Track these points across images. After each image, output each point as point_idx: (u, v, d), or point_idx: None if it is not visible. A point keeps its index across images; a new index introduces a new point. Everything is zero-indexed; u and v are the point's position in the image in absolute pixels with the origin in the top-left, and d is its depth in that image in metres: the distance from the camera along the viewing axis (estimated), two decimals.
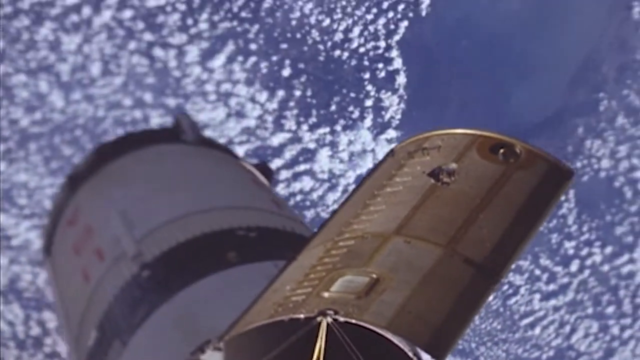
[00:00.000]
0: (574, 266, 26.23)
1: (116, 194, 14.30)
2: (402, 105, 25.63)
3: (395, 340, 7.43)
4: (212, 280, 10.95)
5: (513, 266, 7.91)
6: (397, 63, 25.64)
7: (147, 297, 11.30)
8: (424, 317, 7.35)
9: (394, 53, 25.60)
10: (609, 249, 26.50)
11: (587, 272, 26.32)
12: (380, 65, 25.42)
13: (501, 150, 8.18)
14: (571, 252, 26.18)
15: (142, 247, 12.18)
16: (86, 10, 22.61)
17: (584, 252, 26.40)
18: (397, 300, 7.41)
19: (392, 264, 7.72)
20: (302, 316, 7.49)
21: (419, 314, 7.35)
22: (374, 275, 7.61)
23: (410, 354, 7.50)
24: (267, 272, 9.93)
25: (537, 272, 25.87)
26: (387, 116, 25.41)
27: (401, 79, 25.56)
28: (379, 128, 25.72)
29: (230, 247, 11.47)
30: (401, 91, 25.48)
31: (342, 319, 7.31)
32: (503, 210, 7.99)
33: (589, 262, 26.34)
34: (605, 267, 26.38)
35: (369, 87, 25.32)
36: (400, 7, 25.80)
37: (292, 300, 7.79)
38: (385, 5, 25.71)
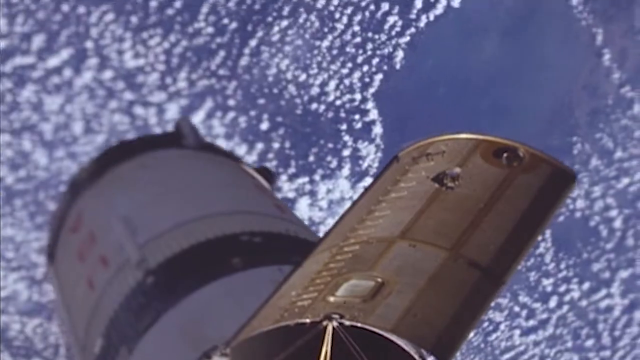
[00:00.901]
0: (553, 302, 26.46)
1: (119, 200, 14.26)
2: (379, 154, 26.00)
3: (401, 343, 7.62)
4: (217, 286, 10.92)
5: (518, 268, 7.88)
6: (373, 114, 26.08)
7: (153, 304, 11.26)
8: (429, 320, 7.40)
9: (370, 105, 26.08)
10: (586, 285, 26.75)
11: (565, 308, 26.56)
12: (357, 117, 25.78)
13: (505, 154, 8.22)
14: (549, 288, 26.40)
15: (146, 254, 12.14)
16: (67, 72, 23.14)
17: (562, 288, 26.64)
18: (403, 303, 7.45)
19: (397, 268, 7.77)
20: (308, 320, 7.54)
21: (424, 317, 7.40)
22: (379, 279, 7.68)
23: (416, 357, 7.77)
24: (271, 277, 10.04)
25: (517, 308, 26.10)
26: (365, 165, 25.73)
27: (377, 129, 25.98)
28: (357, 176, 26.08)
29: (235, 253, 11.44)
30: (377, 140, 25.90)
31: (347, 323, 7.36)
32: (507, 213, 8.03)
33: (567, 297, 26.58)
34: (584, 302, 26.68)
35: (346, 138, 25.68)
36: (375, 60, 26.42)
37: (297, 305, 7.83)
38: (360, 59, 26.34)
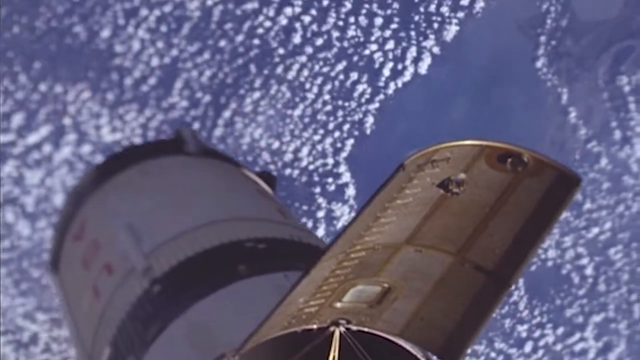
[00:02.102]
0: (528, 347, 26.72)
1: (122, 207, 14.23)
2: (353, 214, 26.59)
3: (408, 347, 7.67)
4: (224, 294, 10.92)
5: (524, 271, 7.88)
6: (346, 177, 26.61)
7: (160, 312, 11.26)
8: (436, 323, 7.39)
9: (342, 168, 26.70)
10: (560, 330, 27.03)
11: (541, 352, 26.80)
12: (330, 180, 26.49)
13: (509, 160, 8.25)
14: (524, 334, 26.57)
15: (152, 262, 12.15)
16: (47, 148, 23.56)
17: (537, 333, 26.85)
18: (409, 308, 7.45)
19: (404, 273, 7.77)
20: (315, 327, 7.53)
21: (431, 321, 7.39)
22: (386, 285, 7.68)
23: None
24: (277, 284, 10.22)
25: (493, 354, 26.30)
26: (339, 224, 26.27)
27: (350, 191, 26.36)
28: (332, 236, 26.18)
29: (240, 260, 11.46)
30: (351, 201, 26.40)
31: (354, 328, 7.37)
32: (512, 217, 8.02)
33: (542, 342, 26.84)
34: (559, 347, 26.93)
35: (320, 200, 26.27)
36: (346, 126, 27.08)
37: (305, 312, 7.83)
38: (331, 126, 26.97)
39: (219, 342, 9.90)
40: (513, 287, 8.11)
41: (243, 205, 14.00)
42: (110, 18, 23.78)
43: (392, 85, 27.30)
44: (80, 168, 22.67)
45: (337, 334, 7.32)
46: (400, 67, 27.31)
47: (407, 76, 27.53)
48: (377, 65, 27.03)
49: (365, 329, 7.34)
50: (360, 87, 27.00)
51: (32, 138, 23.48)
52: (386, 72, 27.07)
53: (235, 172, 16.30)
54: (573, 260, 27.25)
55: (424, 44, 27.76)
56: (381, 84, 27.20)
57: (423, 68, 27.60)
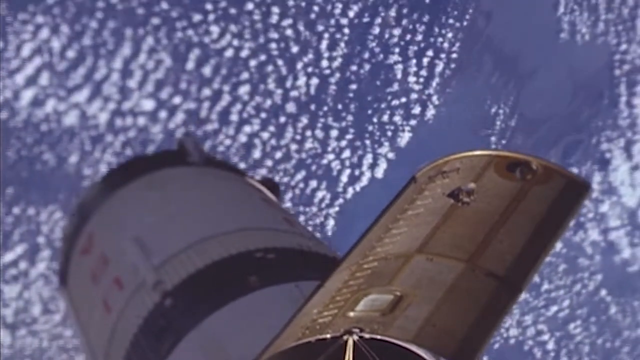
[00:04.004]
0: None
1: (129, 220, 14.03)
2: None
3: (421, 352, 7.45)
4: (237, 306, 10.75)
5: (534, 277, 7.90)
6: None
7: (173, 326, 11.07)
8: (448, 329, 7.32)
9: None
10: None
11: None
12: None
13: (518, 168, 8.19)
14: None
15: (162, 275, 11.93)
16: (22, 265, 24.45)
17: None
18: (421, 314, 7.38)
19: (415, 281, 7.69)
20: (328, 336, 7.44)
21: (443, 327, 7.31)
22: (398, 293, 7.60)
23: None
24: (289, 294, 10.09)
25: None
26: None
27: None
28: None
29: (250, 271, 11.24)
30: None
31: (367, 336, 7.28)
32: (522, 224, 7.94)
33: None
34: None
35: None
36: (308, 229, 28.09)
37: (318, 322, 7.74)
38: None
39: (233, 355, 9.87)
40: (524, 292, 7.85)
41: (250, 215, 13.76)
42: (77, 145, 24.95)
43: (350, 190, 28.48)
44: (55, 281, 23.96)
45: (350, 343, 7.27)
46: (357, 173, 28.29)
47: (365, 181, 28.45)
48: (335, 173, 28.00)
49: (378, 337, 7.29)
50: (319, 194, 28.21)
51: (9, 256, 24.44)
52: (344, 178, 28.05)
53: (240, 181, 16.11)
54: (534, 337, 27.93)
55: (379, 150, 28.87)
56: (340, 189, 28.35)
57: (379, 172, 28.46)
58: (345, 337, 7.30)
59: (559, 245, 28.73)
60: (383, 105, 29.16)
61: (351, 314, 7.62)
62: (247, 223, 13.06)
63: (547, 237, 7.93)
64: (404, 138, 29.16)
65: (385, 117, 29.08)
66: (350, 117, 28.71)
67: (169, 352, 10.79)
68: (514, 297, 7.66)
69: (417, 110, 29.35)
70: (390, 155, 28.87)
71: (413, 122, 29.21)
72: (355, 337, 7.27)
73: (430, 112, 29.58)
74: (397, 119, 29.16)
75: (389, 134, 29.06)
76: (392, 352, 7.34)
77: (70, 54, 25.38)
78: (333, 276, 8.26)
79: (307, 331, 7.73)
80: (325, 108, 29.06)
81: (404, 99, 29.30)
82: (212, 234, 12.38)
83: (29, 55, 24.90)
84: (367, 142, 28.84)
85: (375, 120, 28.99)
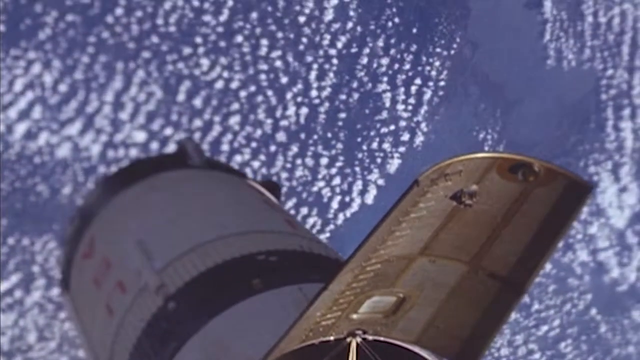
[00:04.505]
0: None
1: (131, 224, 13.86)
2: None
3: (424, 354, 7.44)
4: (240, 309, 10.65)
5: (537, 278, 7.84)
6: None
7: (176, 330, 10.96)
8: (451, 330, 7.26)
9: None
10: None
11: None
12: None
13: (520, 170, 8.15)
14: None
15: (165, 279, 11.79)
16: (18, 293, 24.51)
17: None
18: (424, 316, 7.34)
19: (418, 283, 7.65)
20: (332, 338, 7.42)
21: (446, 328, 7.26)
22: (401, 295, 7.57)
23: None
24: (292, 297, 10.07)
25: None
26: None
27: None
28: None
29: (253, 274, 11.12)
30: None
31: (370, 338, 7.25)
32: (525, 225, 7.89)
33: None
34: None
35: None
36: None
37: (322, 325, 7.71)
38: None
39: (237, 358, 9.80)
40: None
41: (252, 218, 13.65)
42: (70, 176, 25.07)
43: (341, 216, 28.72)
44: (50, 308, 24.42)
45: (353, 345, 7.25)
46: (347, 199, 28.46)
47: (355, 207, 28.60)
48: (325, 200, 28.16)
49: (381, 338, 7.25)
50: (311, 220, 28.46)
51: (4, 286, 24.59)
52: (334, 204, 28.20)
53: (241, 184, 15.99)
54: (525, 356, 28.09)
55: (369, 177, 29.14)
56: (330, 215, 28.49)
57: (369, 199, 28.61)
58: (348, 339, 7.31)
59: (548, 266, 28.97)
60: (372, 133, 29.41)
61: (354, 316, 7.63)
62: (249, 226, 12.99)
63: (550, 238, 7.88)
64: (393, 165, 29.40)
65: (375, 145, 29.31)
66: (340, 145, 28.90)
67: (172, 356, 10.76)
68: (517, 298, 7.60)
69: (406, 137, 29.62)
70: (380, 181, 29.08)
71: (402, 149, 29.47)
72: (359, 339, 7.28)
73: (419, 139, 29.81)
74: (386, 146, 29.41)
75: (379, 160, 29.29)
76: (395, 353, 7.34)
77: (62, 88, 25.55)
78: (336, 279, 8.23)
79: (310, 333, 7.72)
80: (315, 136, 29.40)
81: (392, 127, 29.57)
82: (214, 236, 12.30)
83: (22, 89, 25.15)
84: (357, 169, 29.05)
85: (364, 147, 29.21)
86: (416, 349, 7.37)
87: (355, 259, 8.30)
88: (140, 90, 26.68)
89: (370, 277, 7.97)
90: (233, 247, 11.88)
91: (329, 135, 29.09)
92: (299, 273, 11.26)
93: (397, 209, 8.47)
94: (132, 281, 12.41)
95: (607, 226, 30.89)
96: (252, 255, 11.69)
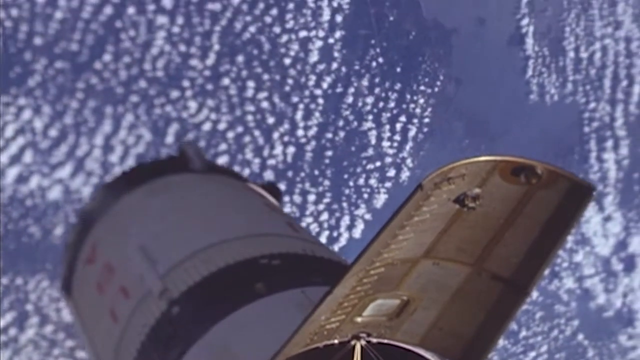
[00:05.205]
0: None
1: (133, 229, 13.73)
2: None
3: (428, 356, 7.32)
4: (244, 313, 10.58)
5: (540, 280, 7.78)
6: None
7: (180, 334, 10.88)
8: (455, 332, 7.22)
9: None
10: None
11: None
12: None
13: (523, 173, 8.11)
14: None
15: (168, 283, 11.70)
16: (12, 331, 24.80)
17: None
18: (428, 318, 7.30)
19: (422, 285, 7.61)
20: (336, 341, 7.36)
21: (450, 330, 7.23)
22: (405, 297, 7.53)
23: None
24: (296, 301, 9.99)
25: None
26: None
27: None
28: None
29: (256, 278, 11.04)
30: None
31: (374, 341, 7.20)
32: (528, 227, 7.85)
33: None
34: None
35: None
36: None
37: (326, 328, 7.66)
38: None
39: None
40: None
41: (254, 221, 13.54)
42: (62, 217, 25.33)
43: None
44: (44, 345, 24.86)
45: (358, 347, 7.21)
46: (335, 234, 28.77)
47: (343, 241, 28.83)
48: (313, 235, 28.92)
49: (386, 341, 7.20)
50: None
51: None
52: (323, 239, 28.29)
53: (242, 187, 15.88)
54: None
55: (357, 212, 29.47)
56: None
57: (357, 233, 28.95)
58: (352, 342, 7.27)
59: (535, 294, 29.22)
60: (359, 170, 29.70)
61: (358, 319, 7.59)
62: (251, 229, 12.87)
63: (553, 239, 7.83)
64: (380, 200, 29.71)
65: (361, 181, 29.63)
66: (327, 182, 29.19)
67: None
68: (520, 300, 7.55)
69: (391, 173, 29.93)
70: (367, 216, 29.41)
71: (388, 184, 29.82)
72: (363, 342, 7.24)
73: (405, 174, 30.09)
74: (372, 181, 29.75)
75: (365, 196, 29.56)
76: (400, 356, 7.29)
77: (53, 132, 25.88)
78: (341, 283, 8.16)
79: (315, 337, 7.67)
80: (303, 174, 29.87)
81: (378, 163, 29.85)
82: (217, 240, 12.20)
83: (13, 135, 25.54)
84: (344, 204, 29.30)
85: (351, 183, 29.51)
86: (420, 351, 7.28)
87: (360, 263, 8.26)
88: (129, 133, 27.09)
89: (374, 280, 7.95)
90: (235, 251, 11.82)
91: (316, 172, 29.36)
92: (301, 276, 11.21)
93: (401, 214, 8.45)
94: (135, 286, 12.36)
95: (592, 254, 31.21)
96: (254, 259, 11.64)
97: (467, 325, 7.28)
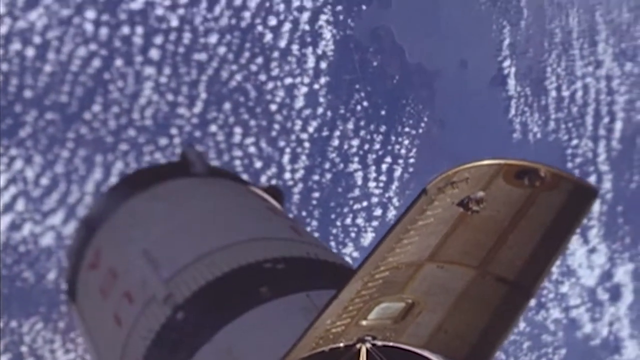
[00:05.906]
0: None
1: (136, 234, 13.59)
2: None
3: (433, 358, 7.27)
4: (249, 318, 10.53)
5: (544, 281, 7.74)
6: None
7: (186, 339, 10.82)
8: (460, 334, 7.21)
9: None
10: None
11: None
12: None
13: (526, 176, 8.08)
14: None
15: (172, 289, 11.63)
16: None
17: None
18: (433, 321, 7.29)
19: (427, 288, 7.59)
20: (342, 345, 7.36)
21: (455, 333, 7.22)
22: (409, 300, 7.53)
23: None
24: (301, 305, 9.91)
25: None
26: None
27: None
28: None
29: (261, 282, 10.96)
30: None
31: (380, 344, 7.19)
32: (532, 229, 7.82)
33: None
34: None
35: None
36: None
37: (332, 332, 7.65)
38: None
39: None
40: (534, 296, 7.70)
41: (257, 225, 13.46)
42: (55, 262, 25.27)
43: None
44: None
45: (363, 351, 7.19)
46: None
47: None
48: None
49: (391, 344, 7.18)
50: None
51: None
52: None
53: (244, 191, 15.79)
54: None
55: (344, 250, 28.93)
56: None
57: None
58: (358, 346, 7.26)
59: (522, 325, 29.34)
60: (346, 210, 29.95)
61: (364, 322, 7.57)
62: (254, 233, 12.81)
63: (557, 241, 7.80)
64: (367, 238, 29.86)
65: (349, 220, 29.91)
66: (314, 222, 29.40)
67: None
68: (524, 302, 7.53)
69: (378, 212, 30.10)
70: (355, 254, 29.50)
71: (375, 223, 29.99)
72: (368, 345, 7.24)
73: (391, 213, 30.10)
74: (359, 221, 29.99)
75: (353, 235, 29.81)
76: (405, 358, 7.26)
77: (44, 181, 26.04)
78: (346, 287, 8.13)
79: (320, 341, 7.64)
80: (290, 215, 30.46)
81: (365, 203, 30.08)
82: (221, 245, 12.15)
83: (5, 185, 25.75)
84: (332, 243, 29.43)
85: (338, 223, 29.76)
86: (425, 354, 7.26)
87: (365, 267, 8.22)
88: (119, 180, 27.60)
89: (379, 284, 7.92)
90: (239, 255, 11.75)
91: (304, 213, 29.59)
92: (306, 280, 11.12)
93: (406, 218, 8.40)
94: (139, 291, 12.29)
95: (578, 285, 31.54)
96: (259, 263, 11.57)
97: (471, 328, 7.27)
